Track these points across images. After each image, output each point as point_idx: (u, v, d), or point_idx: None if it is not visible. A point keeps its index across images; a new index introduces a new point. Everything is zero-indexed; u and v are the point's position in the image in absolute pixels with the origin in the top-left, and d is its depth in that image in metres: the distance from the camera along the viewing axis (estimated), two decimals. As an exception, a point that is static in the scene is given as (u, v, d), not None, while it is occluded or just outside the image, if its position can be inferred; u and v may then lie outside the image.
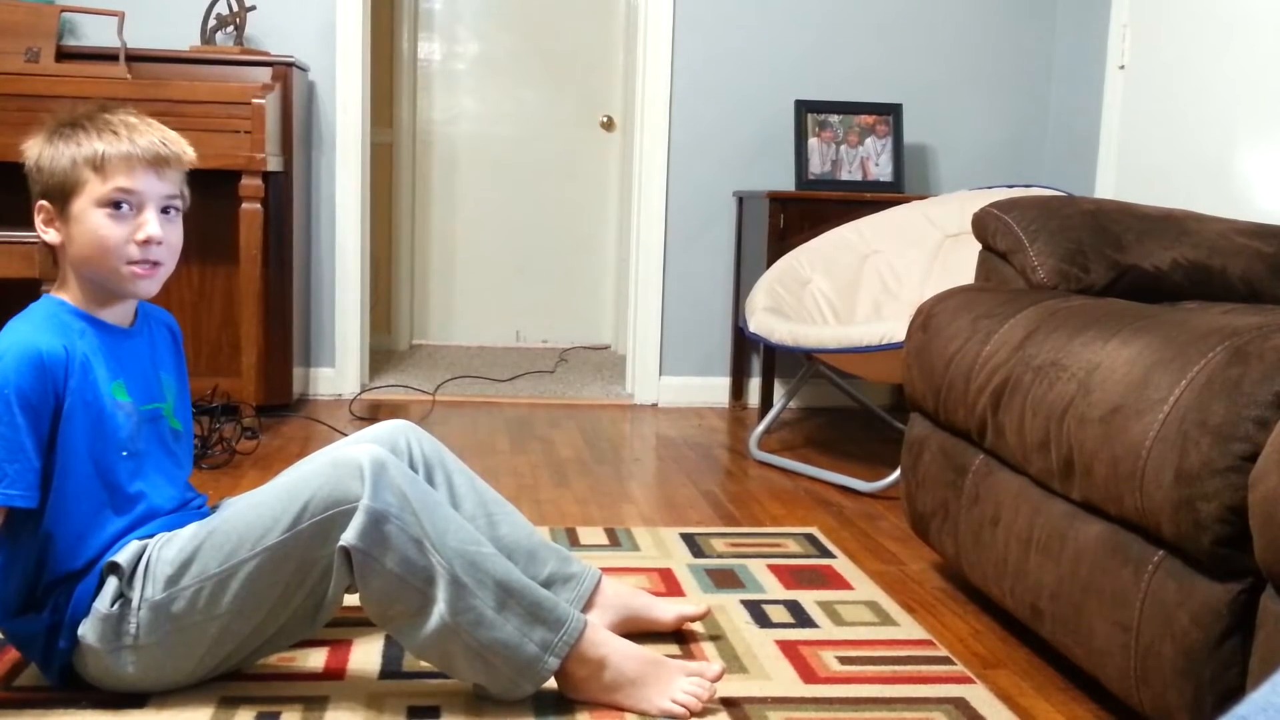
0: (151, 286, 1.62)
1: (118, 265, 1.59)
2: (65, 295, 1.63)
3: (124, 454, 1.60)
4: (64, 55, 3.41)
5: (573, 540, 2.43)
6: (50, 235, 1.61)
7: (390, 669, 1.74)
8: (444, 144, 5.32)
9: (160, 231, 1.59)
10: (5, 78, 3.25)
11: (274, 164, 3.40)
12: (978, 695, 1.71)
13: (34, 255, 3.01)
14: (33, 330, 1.55)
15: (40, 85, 3.26)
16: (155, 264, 1.61)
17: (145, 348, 1.70)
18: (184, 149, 1.64)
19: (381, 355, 4.86)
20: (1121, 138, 3.61)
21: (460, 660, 1.57)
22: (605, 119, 5.35)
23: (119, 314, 1.66)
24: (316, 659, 1.76)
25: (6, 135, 3.20)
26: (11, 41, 3.34)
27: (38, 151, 1.60)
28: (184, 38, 3.69)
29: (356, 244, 3.96)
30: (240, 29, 3.67)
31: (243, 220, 3.27)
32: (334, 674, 1.72)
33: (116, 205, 1.57)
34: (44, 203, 1.61)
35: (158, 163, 1.59)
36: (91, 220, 1.57)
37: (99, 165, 1.57)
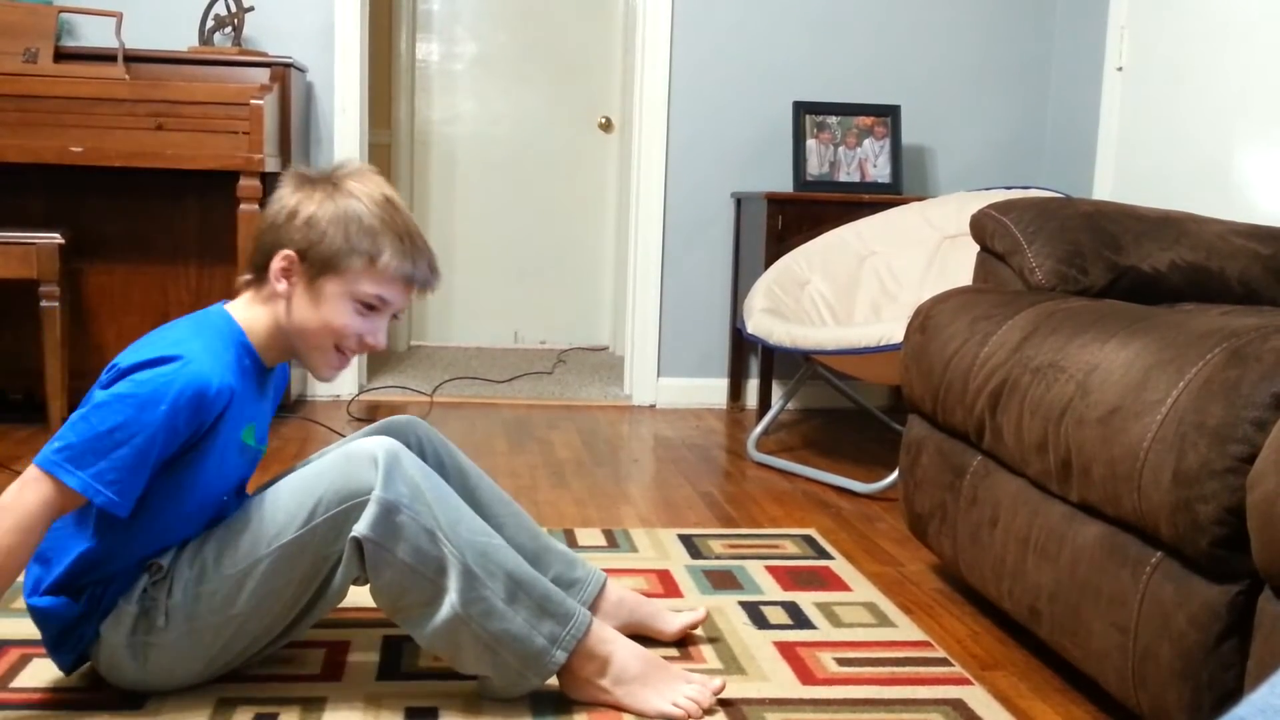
0: (334, 376, 1.66)
1: (328, 349, 1.61)
2: (246, 322, 1.62)
3: (225, 498, 1.62)
4: (62, 56, 3.41)
5: (571, 541, 2.43)
6: (281, 285, 1.58)
7: (388, 670, 1.74)
8: (442, 145, 5.32)
9: (381, 343, 1.63)
10: (3, 78, 3.24)
11: (272, 165, 3.40)
12: (975, 696, 1.71)
13: (32, 256, 3.01)
14: (212, 358, 1.52)
15: (38, 86, 3.25)
16: (348, 360, 1.65)
17: (271, 390, 1.72)
18: (438, 279, 1.65)
19: (379, 356, 4.86)
20: (1119, 139, 3.61)
21: (468, 651, 1.57)
22: (603, 120, 5.35)
23: (273, 359, 1.66)
24: (314, 660, 1.76)
25: (4, 136, 3.20)
26: (9, 42, 3.34)
27: (314, 207, 1.57)
28: (182, 38, 3.69)
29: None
30: (238, 30, 3.67)
31: (241, 221, 3.27)
32: (332, 675, 1.71)
33: (367, 308, 1.59)
34: (293, 254, 1.57)
35: (421, 290, 1.64)
36: (339, 308, 1.58)
37: (378, 265, 1.57)
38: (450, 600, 1.53)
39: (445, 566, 1.53)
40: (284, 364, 1.75)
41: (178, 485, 1.54)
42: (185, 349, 1.51)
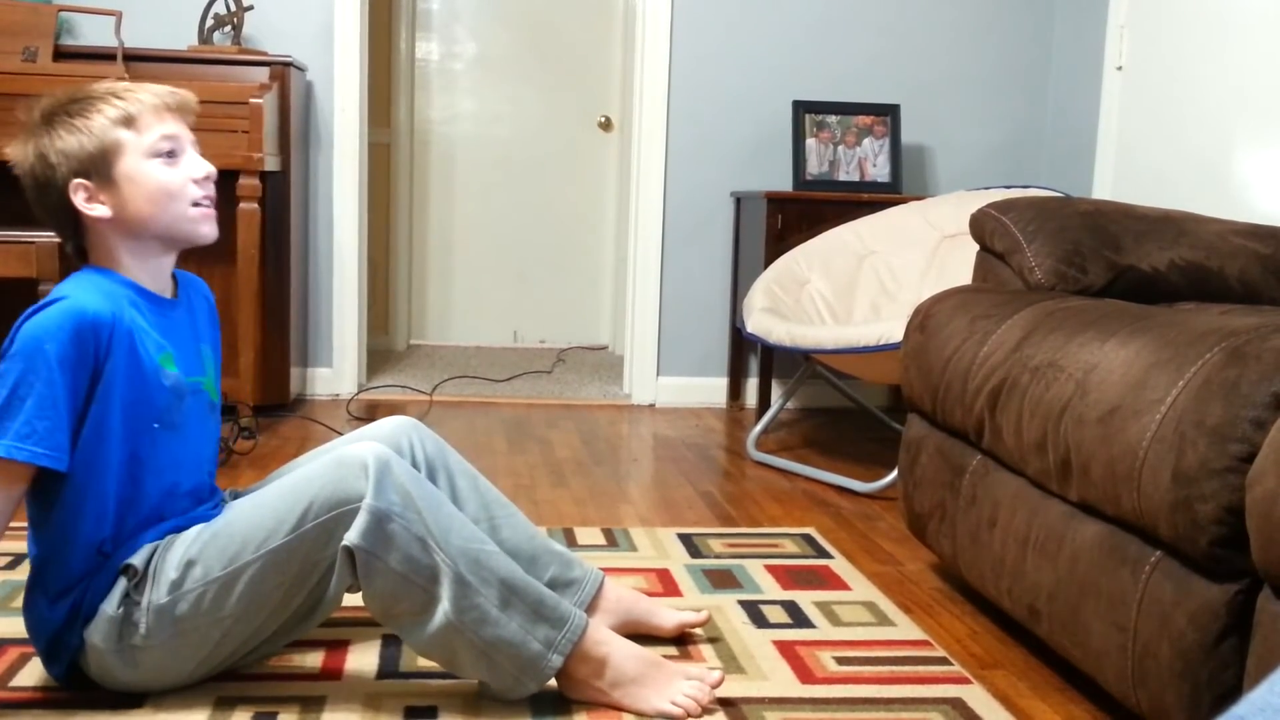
0: (214, 229, 1.65)
1: (185, 209, 1.60)
2: (110, 268, 1.62)
3: (155, 425, 1.58)
4: (61, 55, 3.41)
5: (570, 541, 2.42)
6: (98, 209, 1.58)
7: (388, 669, 1.74)
8: (442, 144, 5.32)
9: (212, 168, 1.61)
10: (2, 77, 3.24)
11: (271, 164, 3.40)
12: (975, 696, 1.71)
13: (32, 255, 3.01)
14: (80, 292, 1.53)
15: (38, 85, 3.24)
16: (212, 203, 1.63)
17: (187, 318, 1.70)
18: (187, 93, 1.65)
19: (379, 355, 4.86)
20: (1119, 139, 3.61)
21: (464, 658, 1.57)
22: (603, 119, 5.35)
23: (162, 284, 1.66)
24: (314, 659, 1.76)
25: (3, 135, 3.20)
26: (9, 41, 3.34)
27: (48, 141, 1.57)
28: (181, 37, 3.68)
29: (354, 244, 3.96)
30: (238, 29, 3.67)
31: (240, 220, 3.27)
32: (331, 674, 1.71)
33: (168, 154, 1.59)
34: (80, 180, 1.57)
35: (180, 109, 1.62)
36: (147, 172, 1.58)
37: (131, 122, 1.57)
38: (443, 608, 1.53)
39: (438, 575, 1.53)
40: (202, 287, 1.76)
41: (101, 422, 1.52)
42: (60, 292, 1.52)
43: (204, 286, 1.79)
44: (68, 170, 1.57)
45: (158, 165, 1.59)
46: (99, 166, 1.57)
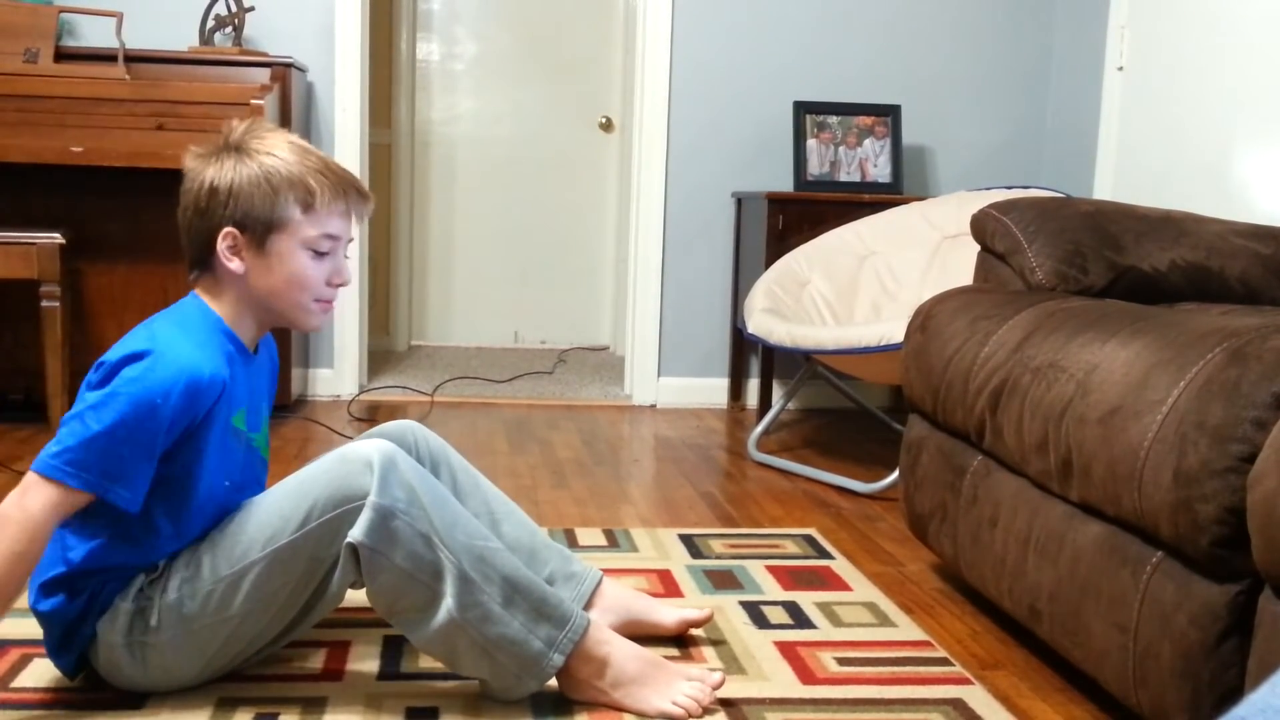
0: (324, 324, 1.68)
1: (307, 303, 1.62)
2: (218, 309, 1.62)
3: (227, 483, 1.61)
4: (62, 56, 3.41)
5: (571, 541, 2.43)
6: (235, 264, 1.58)
7: (389, 670, 1.74)
8: (442, 145, 5.32)
9: (351, 277, 1.65)
10: (3, 78, 3.25)
11: (273, 165, 3.39)
12: (976, 696, 1.71)
13: (33, 256, 3.01)
14: (196, 348, 1.53)
15: (38, 86, 3.26)
16: (332, 303, 1.66)
17: (259, 376, 1.71)
18: (371, 198, 1.69)
19: (380, 356, 4.86)
20: (1120, 139, 3.61)
21: (466, 656, 1.57)
22: (604, 120, 5.35)
23: (250, 339, 1.66)
24: (315, 660, 1.76)
25: (5, 136, 3.20)
26: (10, 42, 3.34)
27: (232, 176, 1.57)
28: (182, 38, 3.69)
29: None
30: (239, 30, 3.67)
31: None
32: (332, 675, 1.71)
33: (319, 252, 1.61)
34: (233, 230, 1.58)
35: (358, 214, 1.66)
36: (296, 261, 1.60)
37: (310, 207, 1.59)
38: (447, 605, 1.53)
39: (441, 571, 1.53)
40: (272, 345, 1.76)
41: (180, 478, 1.54)
42: (172, 341, 1.51)
43: (272, 344, 1.79)
44: (230, 214, 1.57)
45: (308, 256, 1.61)
46: (258, 229, 1.58)
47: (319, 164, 1.61)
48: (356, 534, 1.51)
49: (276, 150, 1.59)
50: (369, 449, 1.55)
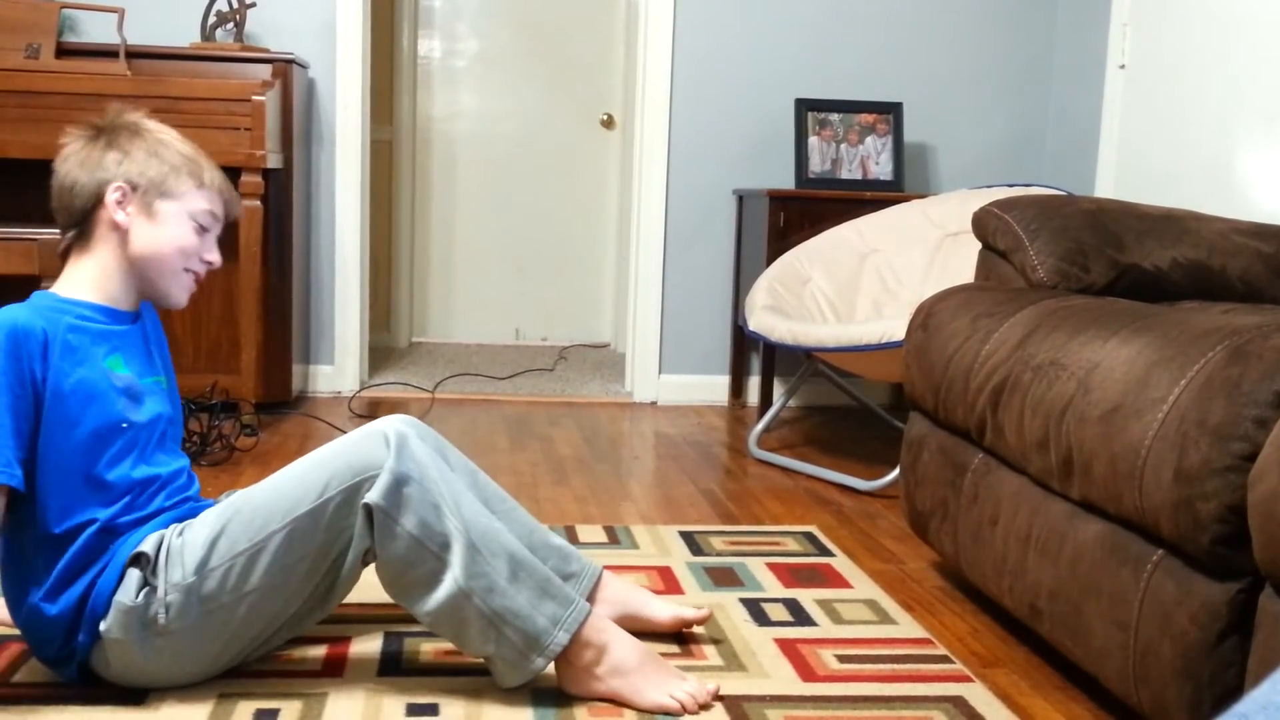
0: (186, 299, 1.73)
1: (179, 270, 1.68)
2: (70, 289, 1.65)
3: (124, 425, 1.61)
4: (64, 52, 3.41)
5: (572, 538, 2.43)
6: (121, 216, 1.63)
7: (389, 666, 1.74)
8: (444, 141, 5.32)
9: (220, 260, 1.72)
10: (5, 74, 3.25)
11: (274, 161, 3.40)
12: (976, 694, 1.71)
13: (34, 252, 3.01)
14: (23, 310, 1.57)
15: (40, 82, 3.26)
16: (198, 281, 1.72)
17: (143, 329, 1.74)
18: (242, 206, 1.77)
19: (381, 352, 4.86)
20: (1121, 137, 3.61)
21: (472, 628, 1.58)
22: (605, 117, 5.34)
23: (129, 302, 1.70)
24: (315, 656, 1.76)
25: (6, 132, 3.20)
26: (11, 38, 3.34)
27: (126, 143, 1.64)
28: (184, 34, 3.69)
29: (356, 241, 3.96)
30: (240, 26, 3.67)
31: (242, 217, 3.27)
32: (333, 671, 1.72)
33: (201, 228, 1.69)
34: (125, 184, 1.63)
35: (228, 214, 1.74)
36: (182, 228, 1.67)
37: (203, 184, 1.69)
38: (454, 575, 1.56)
39: (449, 541, 1.56)
40: (152, 311, 1.78)
41: (58, 434, 1.54)
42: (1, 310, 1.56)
43: (151, 309, 1.81)
44: (124, 170, 1.63)
45: (191, 228, 1.68)
46: (150, 189, 1.64)
47: (208, 157, 1.72)
48: (373, 496, 1.55)
49: (169, 134, 1.70)
50: (385, 425, 1.63)
